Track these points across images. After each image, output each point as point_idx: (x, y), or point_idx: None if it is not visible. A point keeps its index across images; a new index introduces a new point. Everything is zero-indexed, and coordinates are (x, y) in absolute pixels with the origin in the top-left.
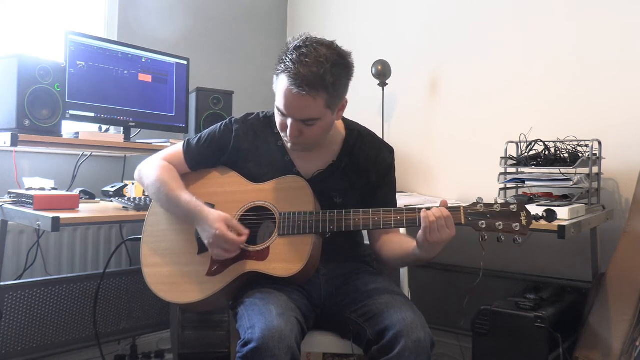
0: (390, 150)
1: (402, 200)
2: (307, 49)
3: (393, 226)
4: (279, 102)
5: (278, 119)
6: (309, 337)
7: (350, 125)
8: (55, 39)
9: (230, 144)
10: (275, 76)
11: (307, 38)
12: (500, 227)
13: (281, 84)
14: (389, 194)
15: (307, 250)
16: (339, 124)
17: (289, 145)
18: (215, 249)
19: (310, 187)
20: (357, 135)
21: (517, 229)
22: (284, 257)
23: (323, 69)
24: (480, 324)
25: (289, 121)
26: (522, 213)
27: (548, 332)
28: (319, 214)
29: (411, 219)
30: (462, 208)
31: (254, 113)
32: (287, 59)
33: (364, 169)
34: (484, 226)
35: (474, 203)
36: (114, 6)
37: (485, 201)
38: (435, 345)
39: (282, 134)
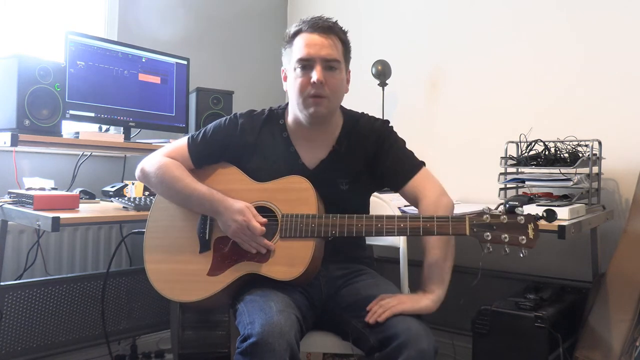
0: (383, 121)
1: (402, 200)
2: (314, 18)
3: (396, 234)
4: (300, 53)
5: (299, 77)
6: (309, 337)
7: (348, 113)
8: (55, 39)
9: (235, 138)
10: (286, 48)
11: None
12: (507, 240)
13: (299, 41)
14: (397, 154)
15: (308, 254)
16: (338, 113)
17: (311, 109)
18: (241, 236)
19: (315, 189)
20: (354, 120)
21: (524, 242)
22: (285, 260)
23: (334, 23)
24: (480, 324)
25: (316, 67)
26: (529, 225)
27: (548, 332)
28: (321, 217)
29: (415, 228)
30: (467, 218)
31: (257, 110)
32: (297, 26)
33: (361, 145)
34: (489, 238)
35: (480, 213)
36: (114, 6)
37: (490, 208)
38: (438, 352)
39: (301, 97)
